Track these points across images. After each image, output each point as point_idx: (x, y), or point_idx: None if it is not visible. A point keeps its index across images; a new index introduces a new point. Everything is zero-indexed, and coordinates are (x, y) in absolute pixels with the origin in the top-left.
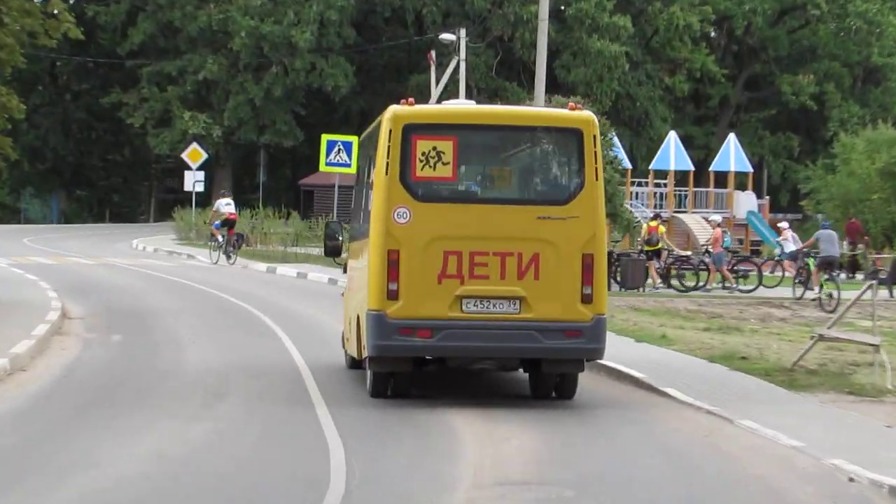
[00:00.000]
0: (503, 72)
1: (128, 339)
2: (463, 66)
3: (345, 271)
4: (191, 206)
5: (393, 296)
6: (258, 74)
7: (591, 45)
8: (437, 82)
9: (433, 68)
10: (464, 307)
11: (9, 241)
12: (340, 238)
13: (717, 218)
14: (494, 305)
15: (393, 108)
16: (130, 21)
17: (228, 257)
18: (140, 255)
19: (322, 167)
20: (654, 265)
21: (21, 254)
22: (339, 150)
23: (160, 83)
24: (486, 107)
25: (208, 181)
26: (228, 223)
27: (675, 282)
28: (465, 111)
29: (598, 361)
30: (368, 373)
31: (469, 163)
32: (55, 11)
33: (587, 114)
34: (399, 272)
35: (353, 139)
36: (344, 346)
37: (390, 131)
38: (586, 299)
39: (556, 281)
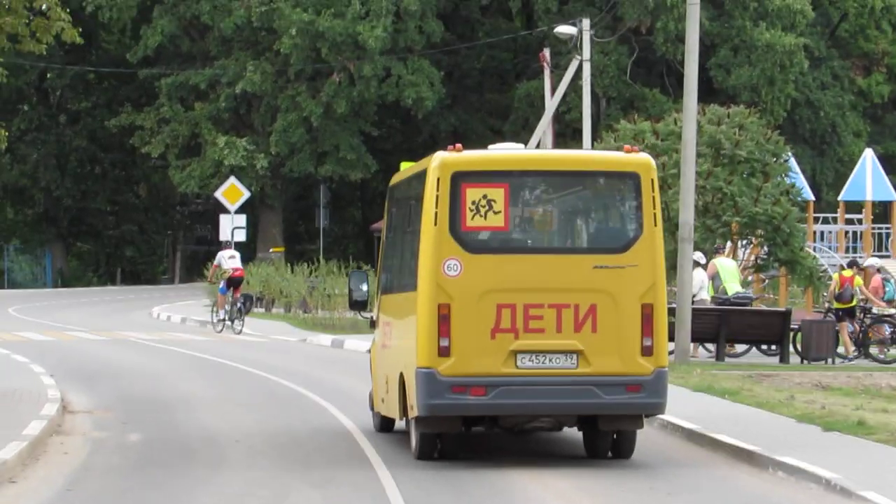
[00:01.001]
0: (640, 74)
1: (150, 439)
2: (587, 68)
3: (372, 326)
4: None
5: (444, 352)
6: (314, 85)
7: (758, 36)
8: (553, 91)
9: (547, 72)
10: (519, 363)
11: None
12: (366, 288)
13: (875, 262)
14: (551, 360)
15: (441, 156)
16: (143, 18)
17: (233, 323)
18: (163, 326)
19: None
20: (846, 328)
21: (6, 328)
22: None
23: (184, 99)
24: (538, 152)
25: (251, 228)
26: (233, 282)
27: (873, 349)
28: (516, 157)
29: (762, 454)
30: (414, 435)
31: (521, 211)
32: (44, 7)
33: (644, 156)
34: (451, 327)
35: None
36: (372, 408)
37: (438, 179)
38: (646, 352)
39: (615, 333)
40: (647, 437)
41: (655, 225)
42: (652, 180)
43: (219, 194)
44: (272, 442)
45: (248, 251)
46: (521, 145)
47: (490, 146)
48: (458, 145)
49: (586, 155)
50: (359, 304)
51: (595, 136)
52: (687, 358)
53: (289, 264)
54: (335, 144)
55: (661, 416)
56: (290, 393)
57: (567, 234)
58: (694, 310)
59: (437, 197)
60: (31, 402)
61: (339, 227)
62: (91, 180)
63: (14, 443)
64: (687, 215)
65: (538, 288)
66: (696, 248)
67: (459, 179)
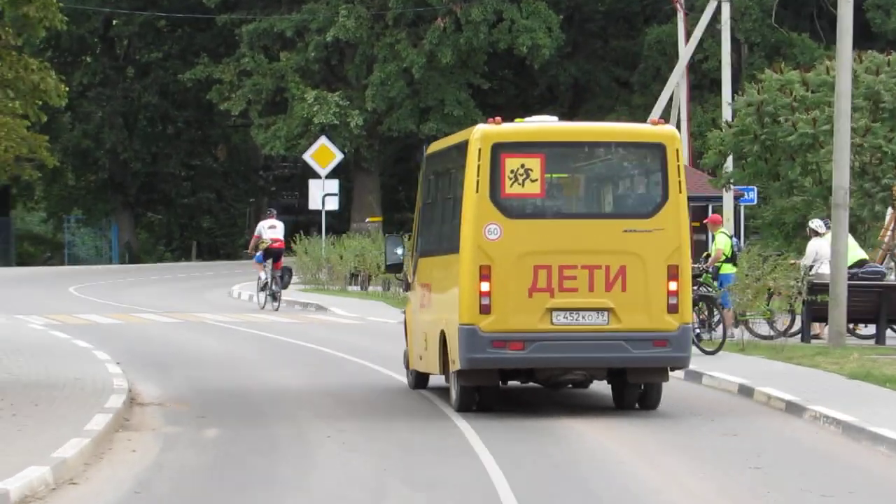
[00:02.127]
0: (787, 17)
1: (230, 435)
2: (727, 9)
3: (406, 289)
4: (320, 232)
5: (485, 310)
6: (416, 31)
7: None
8: (688, 36)
9: (681, 15)
10: (554, 320)
11: (47, 290)
12: (401, 252)
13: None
14: (584, 317)
15: (482, 128)
16: None
17: (274, 299)
18: (244, 307)
19: None
20: None
21: (65, 309)
22: None
23: (268, 48)
24: (571, 124)
25: (345, 195)
26: (272, 254)
27: None
28: (551, 129)
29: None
30: (454, 388)
31: (556, 179)
32: None
33: (670, 128)
34: (491, 287)
35: None
36: (407, 367)
37: (480, 150)
38: (672, 309)
39: (643, 292)
40: (797, 430)
41: (680, 192)
42: (677, 150)
43: (307, 157)
44: (368, 438)
45: (341, 221)
46: (555, 118)
47: (526, 118)
48: (498, 118)
49: (616, 127)
50: (394, 268)
51: (736, 88)
52: (842, 340)
53: (387, 236)
54: (440, 99)
55: (812, 408)
56: (389, 382)
57: (598, 201)
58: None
59: (479, 166)
60: (94, 394)
61: None
62: (162, 141)
63: (75, 439)
64: (841, 178)
65: (572, 250)
66: (852, 215)
67: (499, 150)
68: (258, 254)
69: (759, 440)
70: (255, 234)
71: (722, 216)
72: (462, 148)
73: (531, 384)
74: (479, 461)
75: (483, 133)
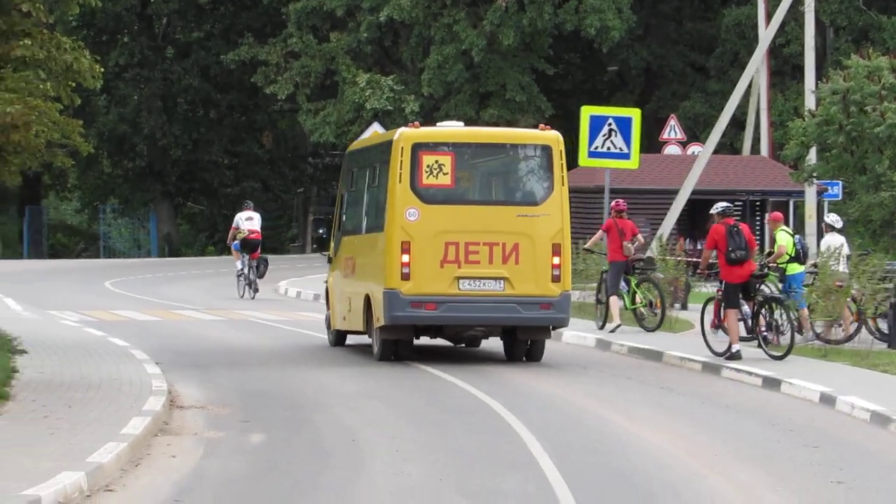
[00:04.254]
0: (876, 0)
1: (276, 440)
2: None
3: (329, 262)
4: None
5: (406, 277)
6: (475, 11)
7: None
8: (769, 19)
9: None
10: (461, 286)
11: (82, 284)
12: (322, 231)
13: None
14: (485, 284)
15: (404, 131)
16: None
17: (251, 288)
18: (292, 304)
19: (583, 160)
20: None
21: (101, 305)
22: (611, 130)
23: (317, 28)
24: (476, 128)
25: None
26: (249, 245)
27: None
28: (460, 132)
29: None
30: (377, 342)
31: (464, 173)
32: None
33: (555, 133)
34: (411, 259)
35: (635, 113)
36: (328, 328)
37: (402, 148)
38: (556, 279)
39: (533, 265)
40: (882, 442)
41: (563, 185)
42: (560, 151)
43: None
44: (422, 445)
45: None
46: (461, 123)
47: (438, 124)
48: (416, 123)
49: (512, 131)
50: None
51: (820, 75)
52: None
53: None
54: (501, 84)
55: None
56: (444, 387)
57: (498, 191)
58: None
59: (401, 161)
60: (131, 395)
61: None
62: (204, 127)
63: (112, 443)
64: None
65: (476, 230)
66: None
67: (418, 149)
68: (236, 243)
69: (841, 453)
70: (233, 225)
71: (804, 212)
72: (387, 146)
73: (437, 341)
74: (540, 471)
75: (405, 135)
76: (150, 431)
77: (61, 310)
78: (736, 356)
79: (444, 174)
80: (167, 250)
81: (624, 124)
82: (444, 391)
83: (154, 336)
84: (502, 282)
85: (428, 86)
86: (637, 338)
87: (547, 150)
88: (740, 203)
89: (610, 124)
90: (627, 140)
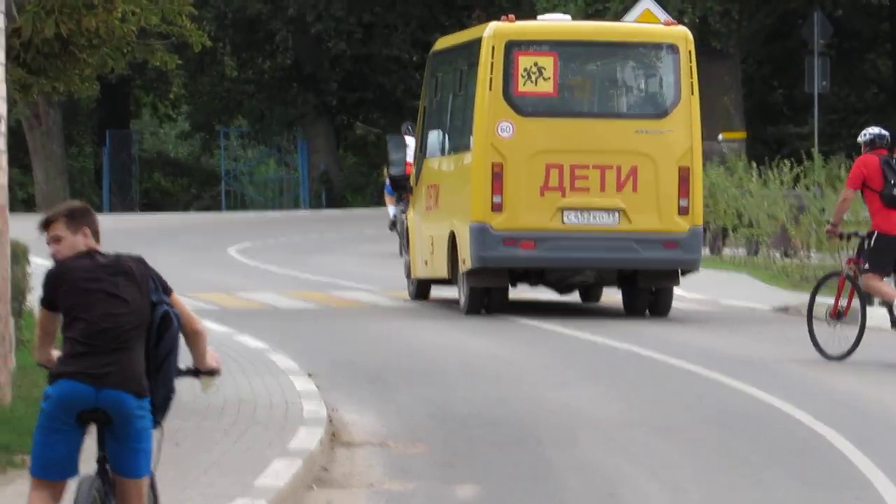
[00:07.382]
0: None
1: (496, 496)
2: None
3: (409, 192)
4: None
5: (497, 208)
6: None
7: None
8: None
9: None
10: (565, 219)
11: (195, 251)
12: (403, 156)
13: None
14: (595, 217)
15: (495, 25)
16: None
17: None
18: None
19: None
20: None
21: (222, 284)
22: None
23: None
24: (585, 23)
25: None
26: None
27: None
28: (564, 27)
29: None
30: (463, 291)
31: (569, 78)
32: None
33: (682, 29)
34: (503, 185)
35: None
36: (408, 277)
37: (493, 48)
38: (683, 211)
39: (654, 193)
40: None
41: (692, 94)
42: (690, 51)
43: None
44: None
45: None
46: (568, 17)
47: (539, 16)
48: (511, 15)
49: (631, 27)
50: (398, 180)
51: None
52: None
53: (754, 164)
54: None
55: None
56: (757, 409)
57: (611, 101)
58: None
59: (492, 64)
60: (273, 425)
61: (847, 92)
62: (380, 5)
63: (243, 500)
64: None
65: (584, 149)
66: None
67: (512, 48)
68: (388, 185)
69: None
70: (408, 158)
71: None
72: (474, 45)
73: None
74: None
75: (496, 30)
76: (302, 482)
77: None
78: None
79: (546, 80)
80: (324, 198)
81: None
82: (755, 415)
83: (304, 332)
84: (617, 214)
85: None
86: None
87: (673, 49)
88: None
89: None
90: None
